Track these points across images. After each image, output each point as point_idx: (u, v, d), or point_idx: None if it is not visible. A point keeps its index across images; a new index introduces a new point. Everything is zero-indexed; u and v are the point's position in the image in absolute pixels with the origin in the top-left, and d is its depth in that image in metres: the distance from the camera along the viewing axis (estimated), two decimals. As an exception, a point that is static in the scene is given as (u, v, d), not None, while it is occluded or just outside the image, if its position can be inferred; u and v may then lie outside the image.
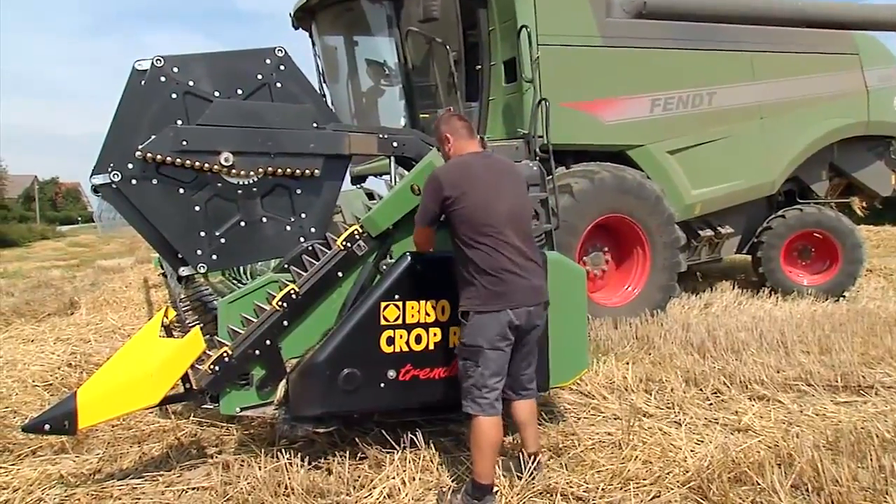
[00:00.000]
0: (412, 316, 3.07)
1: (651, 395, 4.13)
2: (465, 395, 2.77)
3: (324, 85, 7.37)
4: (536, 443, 3.05)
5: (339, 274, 3.08)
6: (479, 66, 6.34)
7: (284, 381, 3.07)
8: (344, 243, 3.07)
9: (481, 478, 2.71)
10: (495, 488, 2.78)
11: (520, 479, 2.92)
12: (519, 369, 2.92)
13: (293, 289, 3.00)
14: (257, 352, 2.99)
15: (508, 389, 2.90)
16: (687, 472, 3.00)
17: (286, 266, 3.19)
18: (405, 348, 3.07)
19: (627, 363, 4.73)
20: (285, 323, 3.02)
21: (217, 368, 2.95)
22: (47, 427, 2.77)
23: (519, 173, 3.04)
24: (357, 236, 3.08)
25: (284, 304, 3.00)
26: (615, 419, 3.74)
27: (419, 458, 3.11)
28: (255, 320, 3.01)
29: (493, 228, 2.74)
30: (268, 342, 3.00)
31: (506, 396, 2.89)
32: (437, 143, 3.15)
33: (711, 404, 3.99)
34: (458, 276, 2.84)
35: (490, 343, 2.72)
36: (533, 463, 2.95)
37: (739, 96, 7.12)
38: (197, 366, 2.97)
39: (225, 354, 2.95)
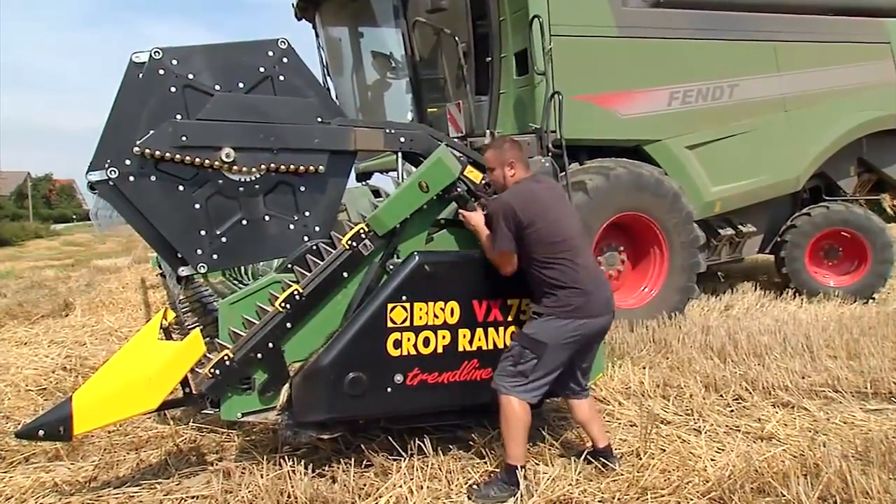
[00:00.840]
0: (420, 318, 3.08)
1: (669, 401, 4.12)
2: (506, 376, 2.98)
3: (328, 78, 7.39)
4: (605, 437, 3.27)
5: (345, 274, 3.09)
6: (490, 58, 6.33)
7: (287, 385, 3.08)
8: (349, 242, 3.08)
9: (515, 460, 2.93)
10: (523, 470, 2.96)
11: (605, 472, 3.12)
12: (579, 363, 3.15)
13: (297, 289, 3.01)
14: (259, 355, 3.00)
15: (570, 385, 3.19)
16: (707, 481, 2.99)
17: (289, 266, 3.20)
18: (413, 351, 3.08)
19: (644, 367, 4.72)
20: (288, 325, 3.02)
21: (217, 372, 2.95)
22: (41, 433, 2.78)
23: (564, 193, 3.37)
24: (363, 235, 3.09)
25: (287, 306, 3.00)
26: (631, 426, 3.74)
27: (427, 466, 3.12)
28: (257, 322, 3.02)
29: (568, 245, 3.02)
30: (270, 345, 3.01)
31: (566, 395, 3.23)
32: (494, 164, 3.21)
33: (733, 411, 3.98)
34: (536, 288, 3.05)
35: (555, 343, 2.96)
36: (609, 458, 3.17)
37: (762, 88, 7.08)
38: (197, 370, 2.98)
39: (226, 358, 2.96)
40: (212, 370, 2.95)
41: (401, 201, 3.12)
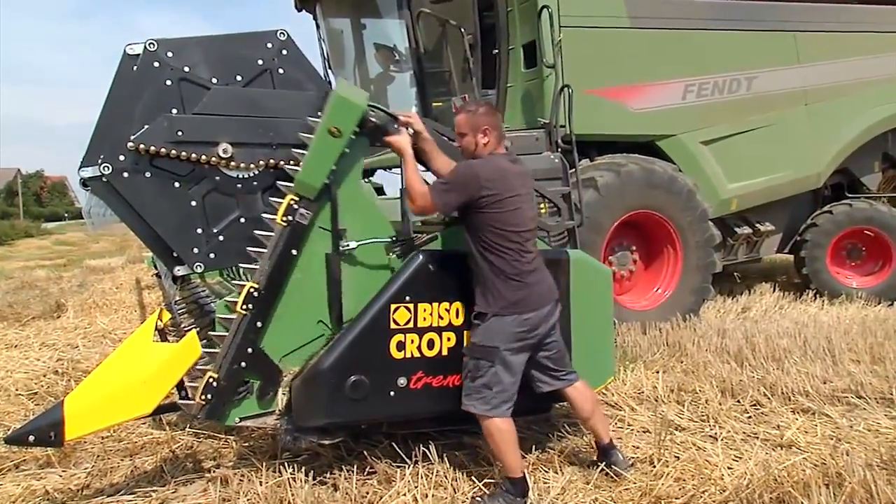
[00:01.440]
0: (424, 319, 3.07)
1: (684, 406, 4.12)
2: (472, 394, 2.94)
3: (329, 71, 7.39)
4: (608, 433, 3.25)
5: (294, 252, 3.02)
6: (497, 51, 6.33)
7: (287, 388, 3.07)
8: (285, 218, 3.00)
9: (514, 472, 2.90)
10: (527, 477, 2.97)
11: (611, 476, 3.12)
12: (543, 355, 3.09)
13: (251, 286, 2.95)
14: (243, 364, 2.97)
15: (550, 375, 3.13)
16: (724, 490, 2.98)
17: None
18: (417, 354, 3.07)
19: (657, 372, 4.72)
20: (259, 324, 2.98)
21: (209, 396, 2.92)
22: (32, 439, 2.77)
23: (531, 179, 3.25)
24: (295, 205, 3.00)
25: (249, 306, 2.96)
26: (644, 433, 3.73)
27: (432, 473, 3.11)
28: (226, 333, 2.97)
29: (520, 236, 2.94)
30: (250, 350, 2.97)
31: (551, 387, 3.14)
32: (465, 129, 3.09)
33: (750, 417, 3.97)
34: (477, 279, 2.99)
35: (506, 345, 2.90)
36: (611, 453, 3.18)
37: (782, 81, 7.06)
38: (188, 401, 2.97)
39: (211, 379, 2.92)
40: (203, 397, 2.91)
41: (319, 156, 3.02)
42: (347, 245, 3.08)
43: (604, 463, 3.18)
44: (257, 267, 3.00)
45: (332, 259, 3.09)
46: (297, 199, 3.01)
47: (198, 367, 2.98)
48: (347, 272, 3.11)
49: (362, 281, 3.12)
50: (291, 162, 3.17)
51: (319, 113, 3.27)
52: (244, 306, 2.95)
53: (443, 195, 2.95)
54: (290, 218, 3.00)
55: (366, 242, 3.11)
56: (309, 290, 3.07)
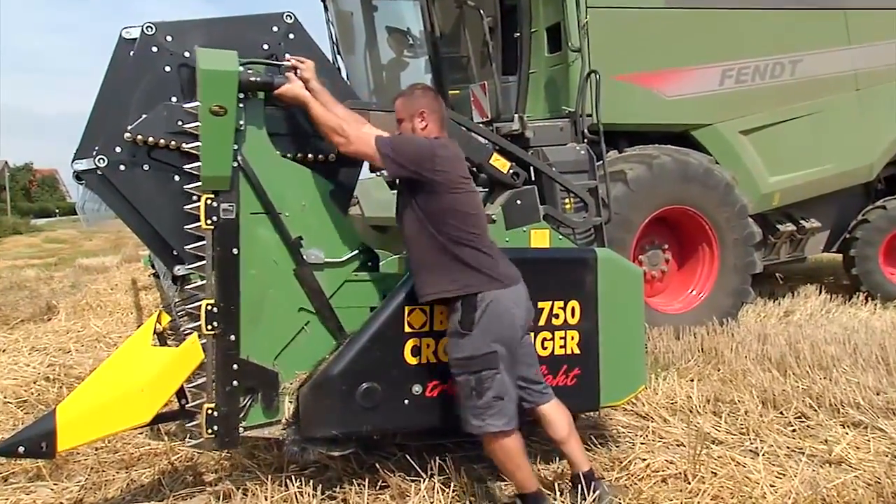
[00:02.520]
0: (441, 322, 3.07)
1: (721, 418, 4.09)
2: (485, 412, 2.80)
3: (338, 56, 7.43)
4: (587, 460, 3.10)
5: (235, 251, 2.97)
6: (518, 34, 6.33)
7: (294, 396, 3.09)
8: (209, 221, 2.93)
9: (529, 486, 2.88)
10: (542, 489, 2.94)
11: None
12: (520, 355, 2.96)
13: (208, 304, 2.93)
14: (235, 382, 2.98)
15: (526, 393, 2.99)
16: (766, 510, 2.96)
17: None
18: (433, 359, 3.08)
19: (692, 380, 4.70)
20: (232, 337, 2.97)
21: (216, 427, 2.93)
22: (22, 449, 2.79)
23: None
24: (215, 204, 2.94)
25: (214, 324, 2.94)
26: (678, 446, 3.71)
27: (448, 488, 3.11)
28: (204, 360, 2.96)
29: (482, 221, 2.96)
30: (235, 366, 2.98)
31: (531, 403, 3.01)
32: (402, 114, 3.05)
33: (794, 431, 3.94)
34: (436, 267, 2.88)
35: (501, 343, 2.82)
36: (591, 486, 2.97)
37: (830, 64, 7.00)
38: (194, 439, 2.98)
39: (210, 410, 2.93)
40: (209, 430, 2.92)
41: (213, 143, 2.90)
42: (311, 255, 3.07)
43: (581, 494, 2.97)
44: (204, 282, 2.96)
45: (301, 272, 3.08)
46: (212, 196, 2.93)
47: (191, 395, 2.99)
48: (322, 277, 3.11)
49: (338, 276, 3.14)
50: (309, 156, 3.16)
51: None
52: (209, 327, 2.93)
53: (392, 155, 2.86)
54: (214, 219, 2.93)
55: (332, 260, 3.13)
56: (272, 281, 3.05)
